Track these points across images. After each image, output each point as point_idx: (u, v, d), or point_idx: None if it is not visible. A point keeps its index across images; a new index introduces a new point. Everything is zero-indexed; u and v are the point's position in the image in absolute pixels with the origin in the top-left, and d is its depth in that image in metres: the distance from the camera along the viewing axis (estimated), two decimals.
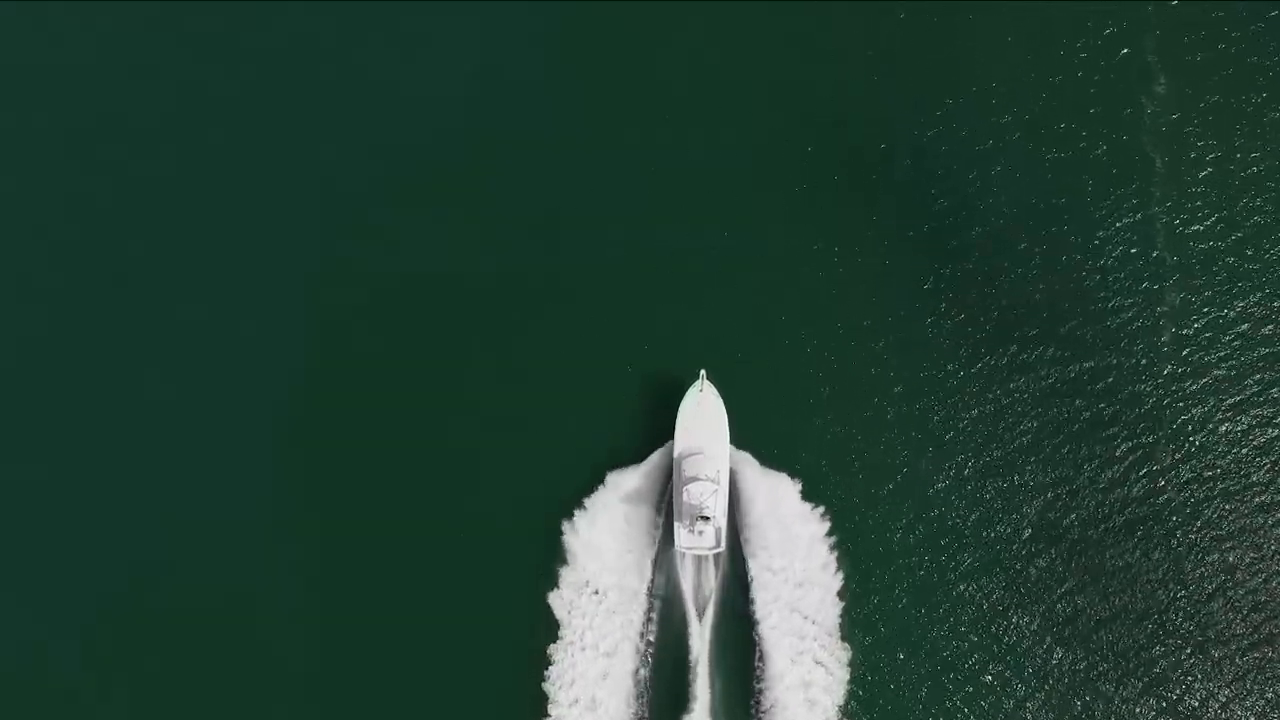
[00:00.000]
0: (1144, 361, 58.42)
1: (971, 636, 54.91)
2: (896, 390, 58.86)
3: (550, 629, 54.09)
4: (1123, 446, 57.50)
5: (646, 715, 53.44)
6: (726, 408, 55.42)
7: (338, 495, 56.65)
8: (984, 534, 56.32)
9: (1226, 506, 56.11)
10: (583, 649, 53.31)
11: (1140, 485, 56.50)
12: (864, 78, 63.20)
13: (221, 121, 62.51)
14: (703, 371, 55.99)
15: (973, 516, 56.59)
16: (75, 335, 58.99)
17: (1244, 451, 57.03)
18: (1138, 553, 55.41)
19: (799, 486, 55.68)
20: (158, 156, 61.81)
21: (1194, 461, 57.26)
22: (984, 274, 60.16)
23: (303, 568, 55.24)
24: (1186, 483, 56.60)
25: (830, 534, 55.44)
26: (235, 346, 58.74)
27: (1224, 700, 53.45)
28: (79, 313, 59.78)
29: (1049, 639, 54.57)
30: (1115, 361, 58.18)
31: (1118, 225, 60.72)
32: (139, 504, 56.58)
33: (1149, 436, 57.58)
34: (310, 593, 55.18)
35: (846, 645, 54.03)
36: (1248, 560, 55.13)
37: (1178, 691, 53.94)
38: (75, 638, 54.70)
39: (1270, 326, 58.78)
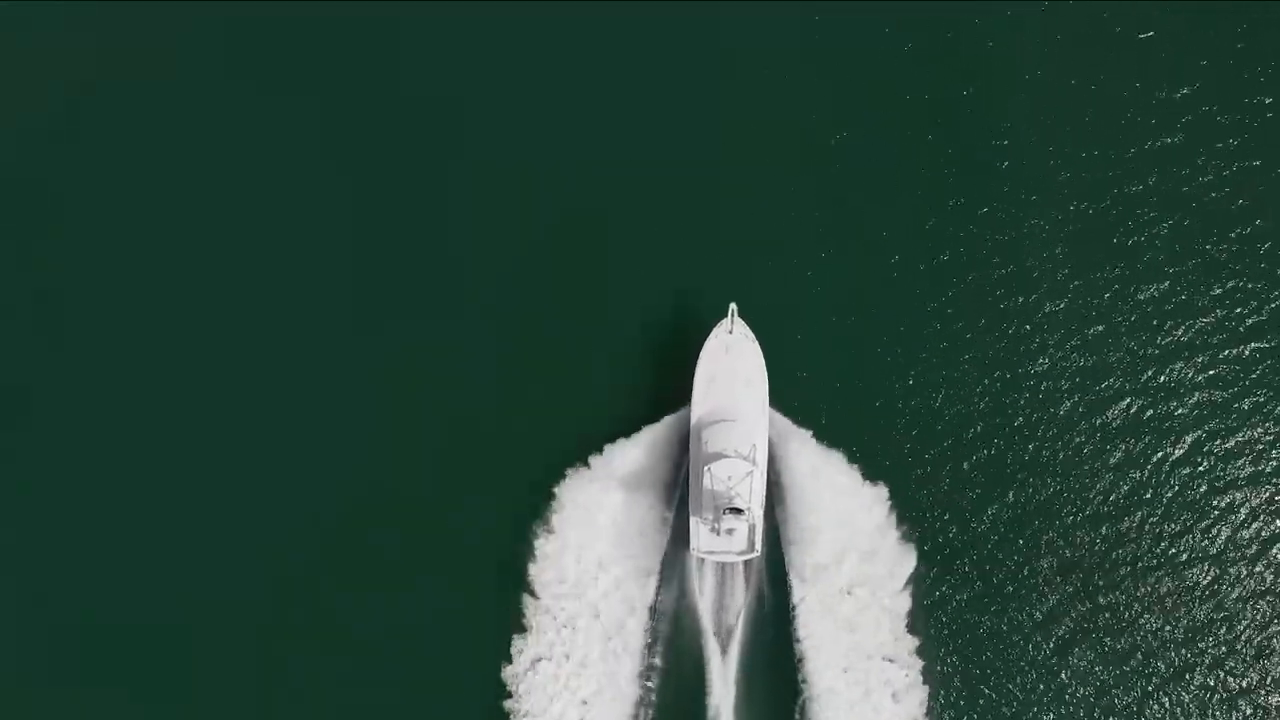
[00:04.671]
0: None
1: (1088, 685, 47.03)
2: (988, 343, 51.42)
3: (512, 681, 46.67)
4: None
5: None
6: (765, 356, 48.68)
7: (312, 466, 51.17)
8: (1103, 545, 48.61)
9: None
10: (562, 691, 45.77)
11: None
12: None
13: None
14: (732, 306, 49.22)
15: (1086, 520, 48.70)
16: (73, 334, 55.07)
17: None
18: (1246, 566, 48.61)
19: (861, 469, 48.46)
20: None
21: None
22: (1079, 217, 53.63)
23: (287, 543, 50.26)
24: None
25: (906, 539, 47.93)
26: (219, 337, 54.16)
27: None
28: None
29: (1173, 682, 46.96)
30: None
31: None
32: (132, 504, 51.61)
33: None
34: (290, 577, 49.92)
35: (924, 690, 45.95)
36: None
37: None
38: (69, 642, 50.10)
39: None
